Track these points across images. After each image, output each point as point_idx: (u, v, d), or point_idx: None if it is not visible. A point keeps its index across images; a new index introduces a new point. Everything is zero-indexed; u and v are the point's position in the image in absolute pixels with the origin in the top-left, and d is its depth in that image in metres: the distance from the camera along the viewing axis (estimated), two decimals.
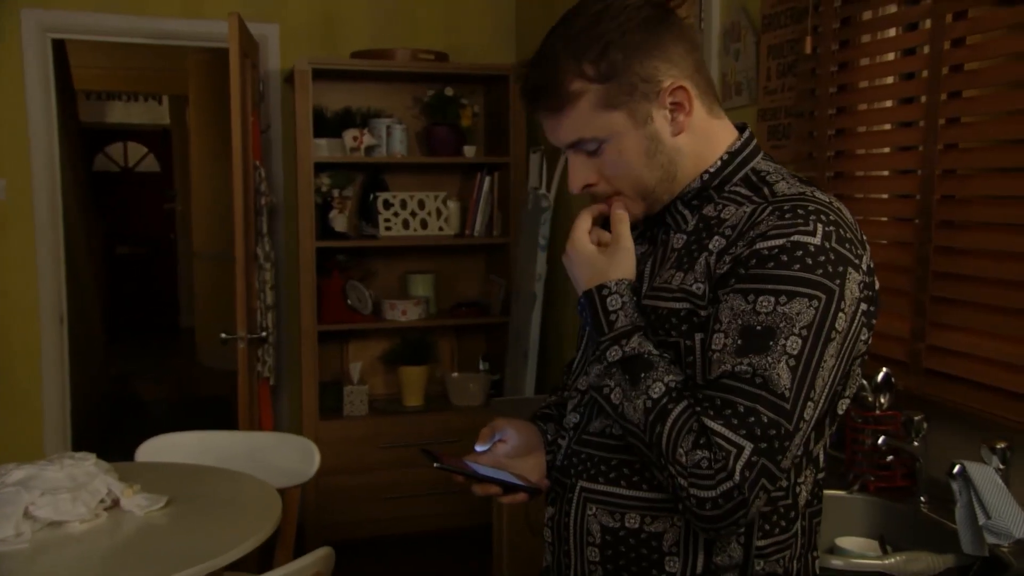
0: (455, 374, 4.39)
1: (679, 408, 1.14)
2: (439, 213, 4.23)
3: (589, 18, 1.23)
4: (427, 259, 4.51)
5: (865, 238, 1.23)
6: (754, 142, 1.31)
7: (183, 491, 2.35)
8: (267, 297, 3.96)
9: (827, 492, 1.65)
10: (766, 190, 1.23)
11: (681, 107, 1.24)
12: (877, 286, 1.25)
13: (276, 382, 4.19)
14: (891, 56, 2.14)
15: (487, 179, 4.28)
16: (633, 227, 1.32)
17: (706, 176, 1.28)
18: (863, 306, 1.18)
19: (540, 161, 3.99)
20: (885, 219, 2.14)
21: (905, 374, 1.98)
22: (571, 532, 1.32)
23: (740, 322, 1.14)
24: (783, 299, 1.12)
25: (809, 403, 1.13)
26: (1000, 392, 1.71)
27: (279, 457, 2.83)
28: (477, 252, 4.61)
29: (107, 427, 5.97)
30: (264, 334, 3.78)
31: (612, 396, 1.21)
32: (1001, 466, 1.65)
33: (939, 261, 1.88)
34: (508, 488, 1.37)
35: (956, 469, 1.62)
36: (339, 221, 4.14)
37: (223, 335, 3.73)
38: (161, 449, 2.84)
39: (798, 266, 1.13)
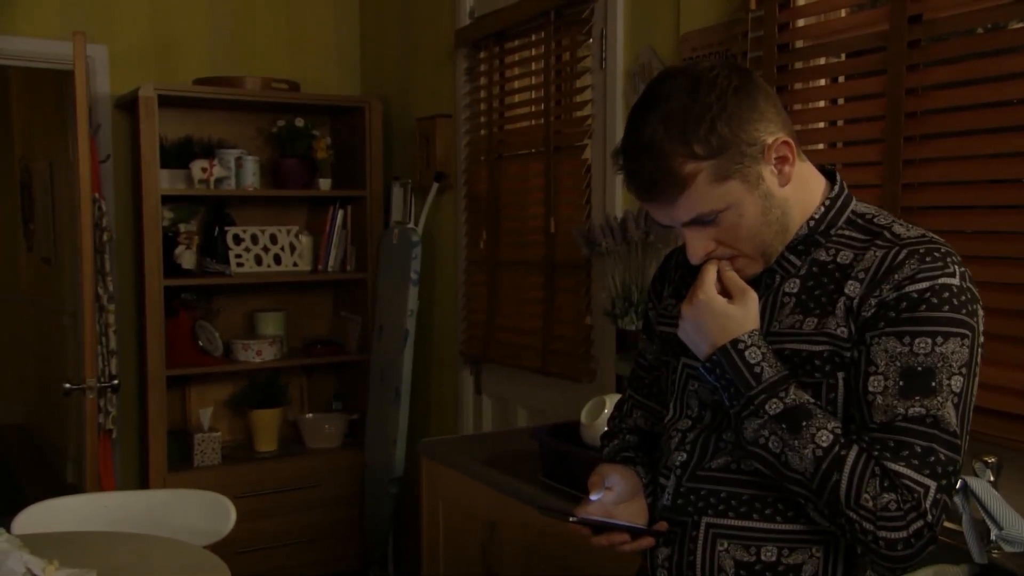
0: (309, 415, 4.20)
1: (853, 454, 1.17)
2: (292, 248, 4.04)
3: (684, 98, 1.22)
4: (275, 296, 4.29)
5: None
6: (846, 186, 1.37)
7: (108, 563, 2.09)
8: (110, 341, 3.62)
9: None
10: (886, 233, 1.27)
11: (785, 160, 1.27)
12: None
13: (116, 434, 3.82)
14: (822, 103, 2.31)
15: (340, 212, 4.15)
16: None
17: (812, 223, 1.31)
18: (981, 339, 1.27)
19: (405, 194, 3.93)
20: None
21: None
22: (698, 569, 1.31)
23: (899, 364, 1.18)
24: (939, 340, 1.18)
25: (967, 436, 1.20)
26: (987, 412, 1.87)
27: (183, 516, 2.59)
28: (326, 288, 4.44)
29: None
30: (115, 382, 3.45)
31: (771, 444, 1.22)
32: (992, 478, 1.80)
33: None
34: (635, 534, 1.35)
35: (958, 484, 1.76)
36: (186, 257, 3.85)
37: (66, 385, 3.37)
38: (43, 519, 2.51)
39: (947, 307, 1.19)
